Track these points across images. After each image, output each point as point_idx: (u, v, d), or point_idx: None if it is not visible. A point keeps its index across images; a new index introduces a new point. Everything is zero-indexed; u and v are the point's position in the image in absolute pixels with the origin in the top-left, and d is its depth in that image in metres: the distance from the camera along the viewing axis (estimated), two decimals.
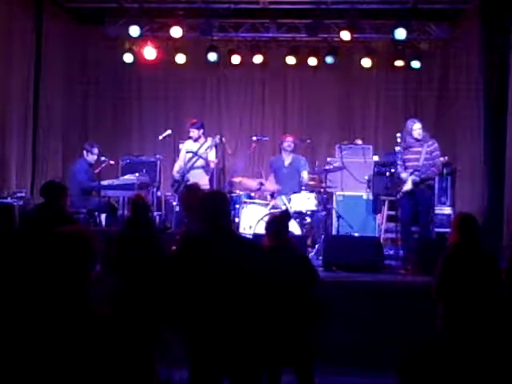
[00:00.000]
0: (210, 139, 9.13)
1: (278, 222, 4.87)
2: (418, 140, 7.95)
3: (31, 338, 2.27)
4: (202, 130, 9.18)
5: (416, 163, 7.92)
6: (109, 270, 5.18)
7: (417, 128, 7.95)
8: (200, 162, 9.05)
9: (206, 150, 9.01)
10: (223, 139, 9.33)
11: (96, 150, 9.23)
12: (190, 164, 9.05)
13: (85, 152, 9.22)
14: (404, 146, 8.06)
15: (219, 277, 3.62)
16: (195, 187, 6.21)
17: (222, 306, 3.62)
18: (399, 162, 8.10)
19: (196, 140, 9.13)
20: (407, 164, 8.00)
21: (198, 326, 3.63)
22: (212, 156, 9.08)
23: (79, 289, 2.35)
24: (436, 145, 8.00)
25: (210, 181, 9.26)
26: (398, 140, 8.24)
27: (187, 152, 9.19)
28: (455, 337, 2.29)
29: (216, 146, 9.13)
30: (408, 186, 7.92)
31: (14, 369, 2.25)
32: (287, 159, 9.31)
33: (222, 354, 3.62)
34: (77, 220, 7.23)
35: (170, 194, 9.88)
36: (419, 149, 7.94)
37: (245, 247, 3.85)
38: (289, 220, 5.05)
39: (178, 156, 9.44)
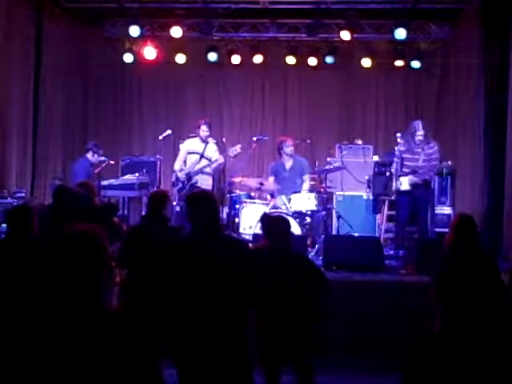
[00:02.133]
0: (213, 142, 9.15)
1: (270, 222, 4.87)
2: (418, 144, 8.02)
3: (44, 340, 2.26)
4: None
5: (415, 163, 7.97)
6: (121, 264, 5.18)
7: (419, 134, 8.01)
8: (209, 168, 9.04)
9: (216, 160, 8.98)
10: (224, 140, 9.37)
11: (102, 152, 9.25)
12: (198, 167, 9.02)
13: (90, 152, 9.19)
14: (405, 148, 8.10)
15: (206, 278, 3.60)
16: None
17: (209, 307, 3.60)
18: (396, 160, 8.15)
19: (204, 140, 9.10)
20: (405, 163, 8.04)
21: (184, 327, 3.62)
22: (218, 155, 9.12)
23: (92, 289, 2.34)
24: (436, 148, 8.07)
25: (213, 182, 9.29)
26: (398, 140, 8.27)
27: (192, 153, 9.13)
28: (457, 334, 2.31)
29: (236, 155, 9.09)
30: (405, 186, 7.96)
31: (27, 371, 2.25)
32: (288, 163, 9.25)
33: (210, 355, 3.61)
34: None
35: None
36: (419, 150, 8.02)
37: (233, 247, 3.84)
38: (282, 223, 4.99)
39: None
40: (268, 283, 4.12)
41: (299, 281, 4.60)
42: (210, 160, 9.04)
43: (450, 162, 8.51)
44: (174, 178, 9.22)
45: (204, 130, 9.08)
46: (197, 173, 9.01)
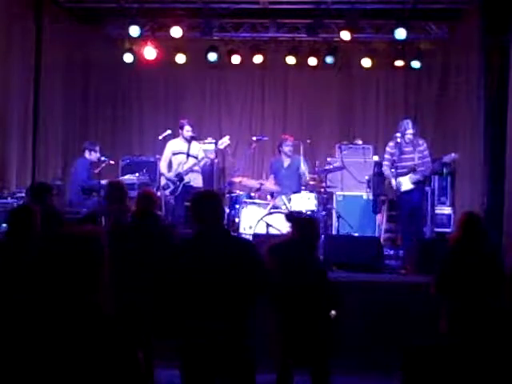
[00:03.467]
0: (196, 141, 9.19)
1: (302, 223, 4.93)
2: (408, 142, 8.08)
3: (38, 341, 2.27)
4: None
5: (412, 162, 8.02)
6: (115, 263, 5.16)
7: (409, 133, 8.07)
8: (197, 166, 9.05)
9: (205, 159, 8.99)
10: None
11: (98, 148, 9.25)
12: (187, 166, 9.02)
13: (87, 151, 9.20)
14: (397, 149, 8.15)
15: (212, 278, 3.59)
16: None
17: (214, 307, 3.59)
18: (386, 163, 8.21)
19: (189, 139, 9.10)
20: (402, 164, 8.09)
21: (189, 327, 3.62)
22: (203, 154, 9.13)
23: (88, 290, 2.34)
24: (425, 145, 8.18)
25: (208, 180, 9.27)
26: (398, 140, 8.29)
27: (177, 153, 9.11)
28: (457, 337, 2.31)
29: (227, 147, 9.10)
30: (408, 186, 7.97)
31: (19, 372, 2.25)
32: (286, 161, 9.32)
33: (214, 354, 3.60)
34: (64, 220, 7.05)
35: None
36: (411, 149, 8.10)
37: (238, 247, 3.83)
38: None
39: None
40: (284, 278, 4.14)
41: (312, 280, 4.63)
42: (196, 158, 9.05)
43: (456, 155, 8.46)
44: (163, 182, 9.16)
45: (188, 130, 9.11)
46: (187, 172, 9.02)
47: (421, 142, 8.16)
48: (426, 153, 8.13)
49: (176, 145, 9.19)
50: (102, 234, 2.46)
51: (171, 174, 9.04)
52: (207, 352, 3.59)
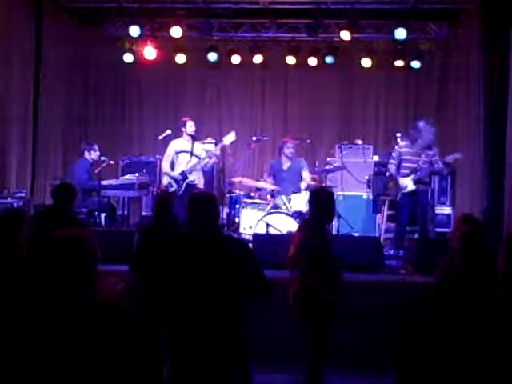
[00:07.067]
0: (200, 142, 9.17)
1: None
2: (426, 145, 8.02)
3: (35, 340, 2.28)
4: None
5: (415, 164, 8.00)
6: (135, 264, 5.15)
7: (432, 132, 8.01)
8: (199, 165, 9.02)
9: (206, 159, 8.96)
10: (223, 139, 9.34)
11: (96, 147, 9.24)
12: (191, 165, 8.96)
13: (86, 152, 9.19)
14: (407, 149, 8.09)
15: (207, 280, 3.58)
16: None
17: (208, 310, 3.57)
18: (392, 161, 8.13)
19: (193, 136, 9.05)
20: (405, 164, 8.05)
21: (184, 330, 3.60)
22: (204, 153, 9.09)
23: (79, 288, 2.37)
24: (436, 150, 8.11)
25: (208, 180, 9.25)
26: (398, 140, 8.27)
27: (181, 152, 9.03)
28: (453, 338, 2.31)
29: (233, 143, 9.07)
30: (411, 187, 7.96)
31: (19, 372, 2.27)
32: (286, 164, 9.27)
33: (206, 357, 3.58)
34: (83, 224, 7.03)
35: None
36: (420, 151, 8.05)
37: (234, 248, 3.82)
38: None
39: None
40: None
41: None
42: (198, 157, 8.99)
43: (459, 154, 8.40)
44: (166, 181, 8.98)
45: (191, 126, 9.01)
46: (190, 171, 8.96)
47: (433, 151, 8.13)
48: (434, 159, 8.05)
49: (179, 144, 9.08)
50: (89, 235, 2.53)
51: (175, 173, 8.94)
52: (200, 355, 3.56)
